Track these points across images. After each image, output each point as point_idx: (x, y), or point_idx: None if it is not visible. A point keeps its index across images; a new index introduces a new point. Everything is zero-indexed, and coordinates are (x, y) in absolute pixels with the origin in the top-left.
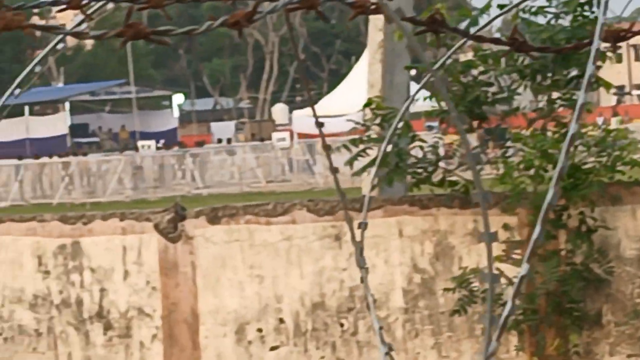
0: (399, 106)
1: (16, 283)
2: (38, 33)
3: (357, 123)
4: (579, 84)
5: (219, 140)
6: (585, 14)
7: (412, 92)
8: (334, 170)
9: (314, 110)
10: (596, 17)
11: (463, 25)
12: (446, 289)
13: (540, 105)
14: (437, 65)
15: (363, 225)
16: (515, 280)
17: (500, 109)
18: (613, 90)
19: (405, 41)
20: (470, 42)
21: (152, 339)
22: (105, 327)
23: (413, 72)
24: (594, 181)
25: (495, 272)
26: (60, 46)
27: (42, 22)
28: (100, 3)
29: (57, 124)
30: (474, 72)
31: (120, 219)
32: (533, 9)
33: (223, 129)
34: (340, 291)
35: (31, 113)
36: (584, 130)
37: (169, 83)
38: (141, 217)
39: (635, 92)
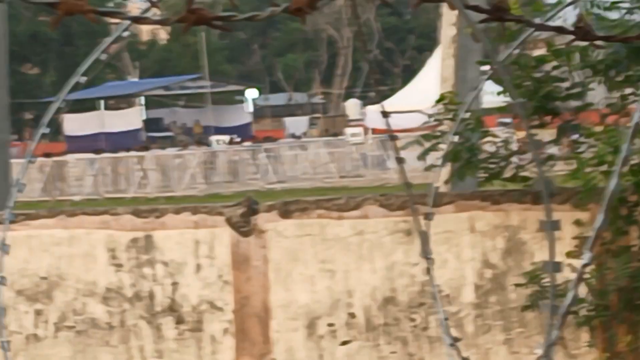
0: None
1: (89, 276)
2: (109, 25)
3: (430, 116)
4: None
5: (293, 136)
6: None
7: (485, 88)
8: (400, 161)
9: (377, 97)
10: None
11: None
12: (517, 285)
13: (614, 100)
14: (503, 57)
15: (429, 216)
16: (587, 276)
17: (573, 104)
18: None
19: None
20: (542, 37)
21: (223, 332)
22: (177, 321)
23: (485, 67)
24: None
25: (558, 263)
26: (125, 34)
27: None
28: None
29: (132, 119)
30: (547, 67)
31: (193, 212)
32: (606, 4)
33: (297, 124)
34: (412, 286)
35: (106, 107)
36: None
37: (243, 78)
38: (213, 211)
39: None
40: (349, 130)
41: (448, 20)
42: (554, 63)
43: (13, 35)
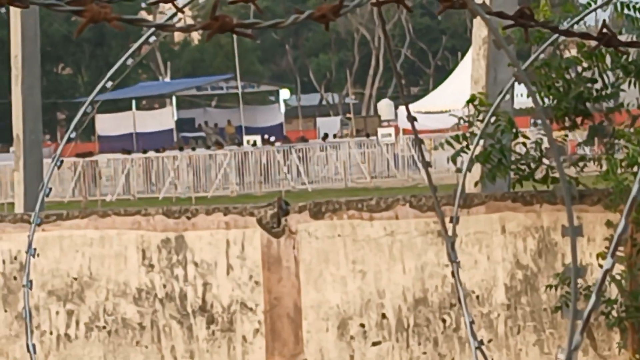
0: (502, 102)
1: (120, 276)
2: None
3: (460, 118)
4: None
5: (325, 135)
6: None
7: (516, 89)
8: (426, 164)
9: (403, 96)
10: None
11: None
12: (549, 286)
13: None
14: (528, 62)
15: (455, 219)
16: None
17: (605, 105)
18: None
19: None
20: (573, 39)
21: (254, 333)
22: (208, 321)
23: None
24: None
25: (580, 268)
26: (152, 39)
27: (150, 18)
28: None
29: (164, 119)
30: (578, 68)
31: (224, 213)
32: (638, 5)
33: (329, 124)
34: (443, 287)
35: (138, 107)
36: None
37: (276, 78)
38: (245, 211)
39: None
40: (381, 131)
41: (479, 21)
42: (585, 64)
43: (46, 36)
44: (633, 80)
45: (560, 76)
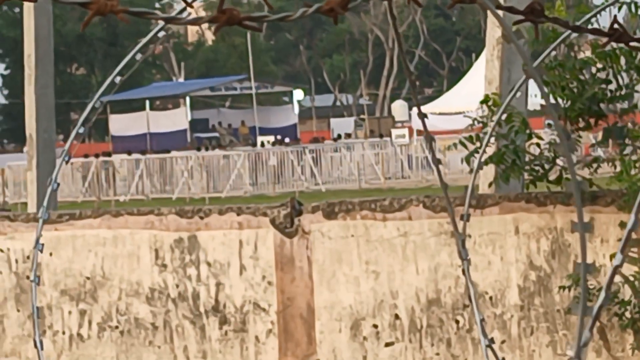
0: (516, 103)
1: (133, 276)
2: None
3: (474, 119)
4: None
5: (338, 136)
6: None
7: (530, 89)
8: (437, 162)
9: (414, 95)
10: None
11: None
12: (562, 287)
13: None
14: (540, 59)
15: (465, 217)
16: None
17: (619, 106)
18: None
19: (526, 37)
20: (588, 39)
21: (267, 333)
22: (221, 322)
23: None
24: None
25: (590, 265)
26: (161, 34)
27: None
28: None
29: (178, 119)
30: (592, 69)
31: (237, 213)
32: None
33: (343, 125)
34: (456, 288)
35: (152, 108)
36: None
37: (289, 79)
38: (258, 211)
39: None
40: (394, 132)
41: (493, 22)
42: (599, 65)
43: (60, 36)
44: None
45: (575, 77)
